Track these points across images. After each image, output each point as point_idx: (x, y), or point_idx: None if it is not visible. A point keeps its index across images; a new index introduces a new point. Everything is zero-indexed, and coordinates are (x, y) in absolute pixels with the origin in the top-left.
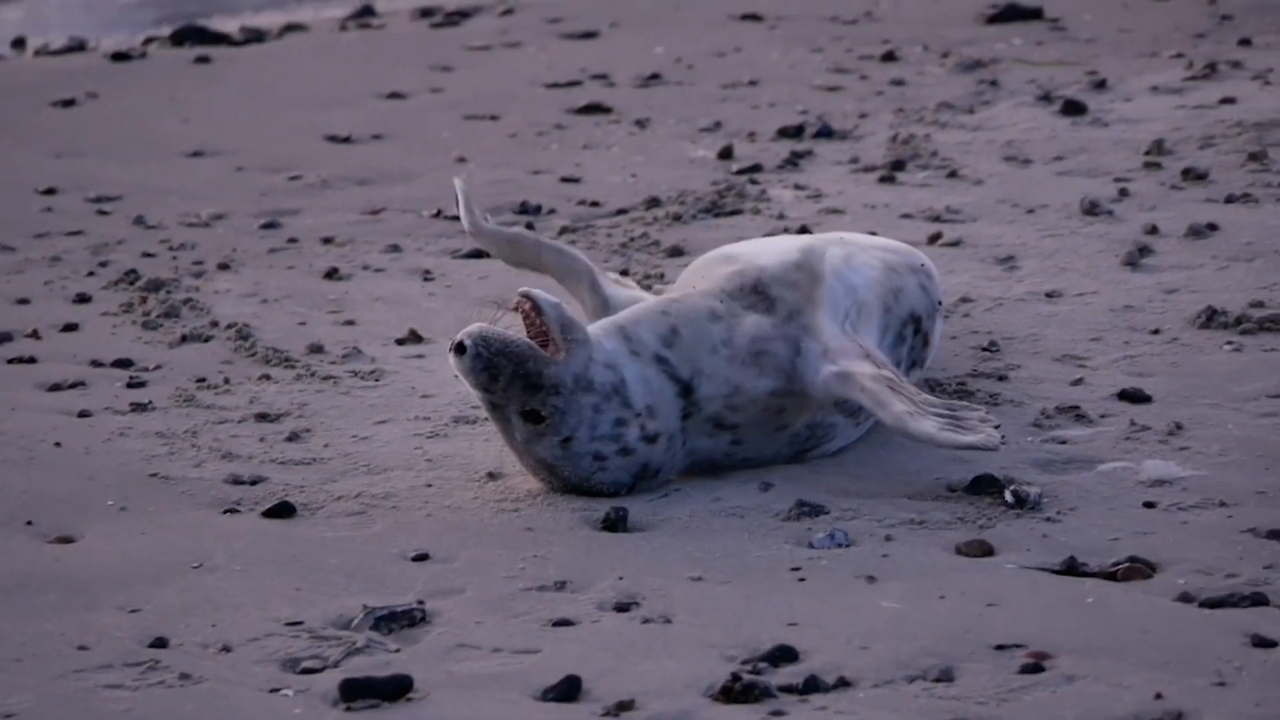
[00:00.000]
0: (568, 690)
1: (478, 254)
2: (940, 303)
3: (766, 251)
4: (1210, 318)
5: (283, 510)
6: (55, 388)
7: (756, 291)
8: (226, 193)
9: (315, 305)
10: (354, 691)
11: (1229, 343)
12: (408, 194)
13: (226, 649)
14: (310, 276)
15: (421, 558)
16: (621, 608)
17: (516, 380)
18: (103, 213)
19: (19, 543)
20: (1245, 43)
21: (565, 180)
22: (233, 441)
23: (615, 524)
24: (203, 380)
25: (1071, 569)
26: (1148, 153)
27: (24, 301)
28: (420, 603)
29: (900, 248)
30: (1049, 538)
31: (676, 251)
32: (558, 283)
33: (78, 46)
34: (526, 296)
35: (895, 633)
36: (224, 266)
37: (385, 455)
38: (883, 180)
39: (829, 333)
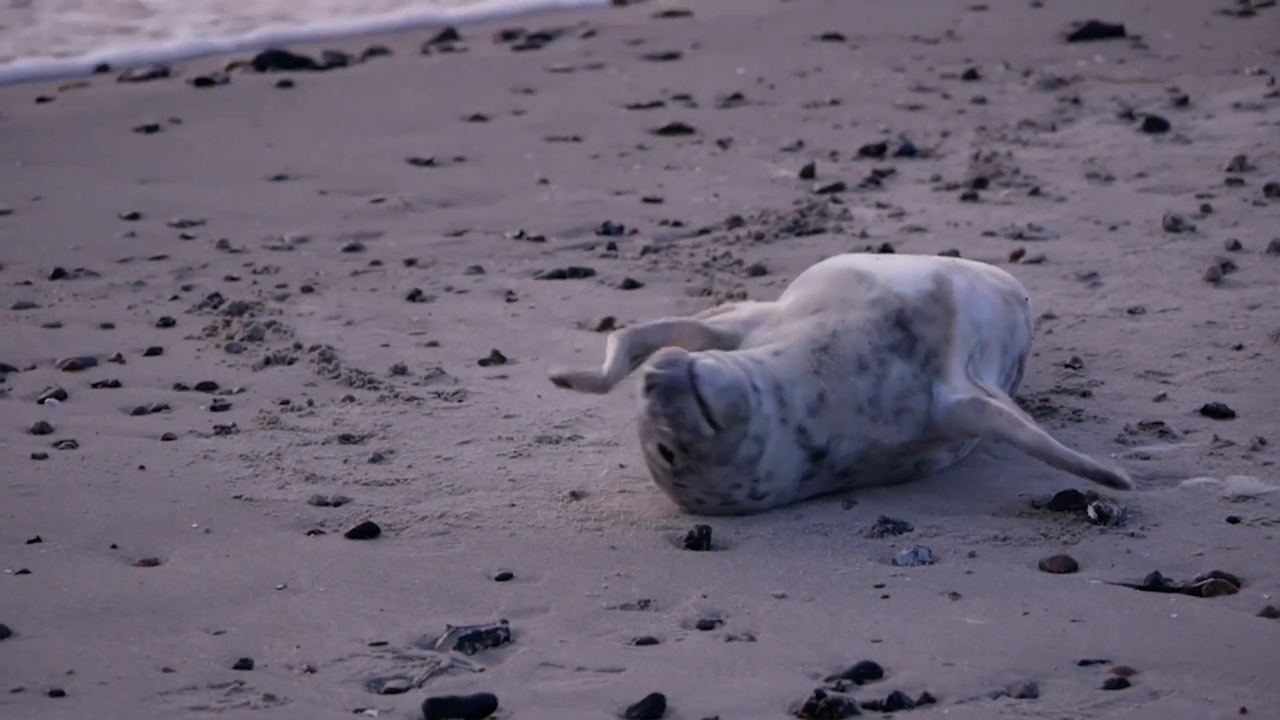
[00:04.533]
0: (652, 709)
1: (560, 275)
2: (1033, 334)
3: (900, 276)
4: None
5: (367, 531)
6: (139, 411)
7: (900, 325)
8: (309, 216)
9: (398, 327)
10: (438, 711)
11: None
12: (490, 216)
13: (311, 670)
14: (393, 298)
15: (505, 577)
16: (705, 626)
17: (681, 447)
18: (186, 237)
19: (104, 566)
20: None
21: (648, 200)
22: (316, 463)
23: (699, 542)
24: (286, 402)
25: (1155, 584)
26: (1230, 169)
27: (108, 326)
28: (504, 622)
29: (1005, 275)
30: (1133, 553)
31: (759, 271)
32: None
33: (161, 72)
34: (694, 382)
35: (979, 649)
36: (307, 289)
37: (469, 476)
38: (965, 198)
39: (958, 379)
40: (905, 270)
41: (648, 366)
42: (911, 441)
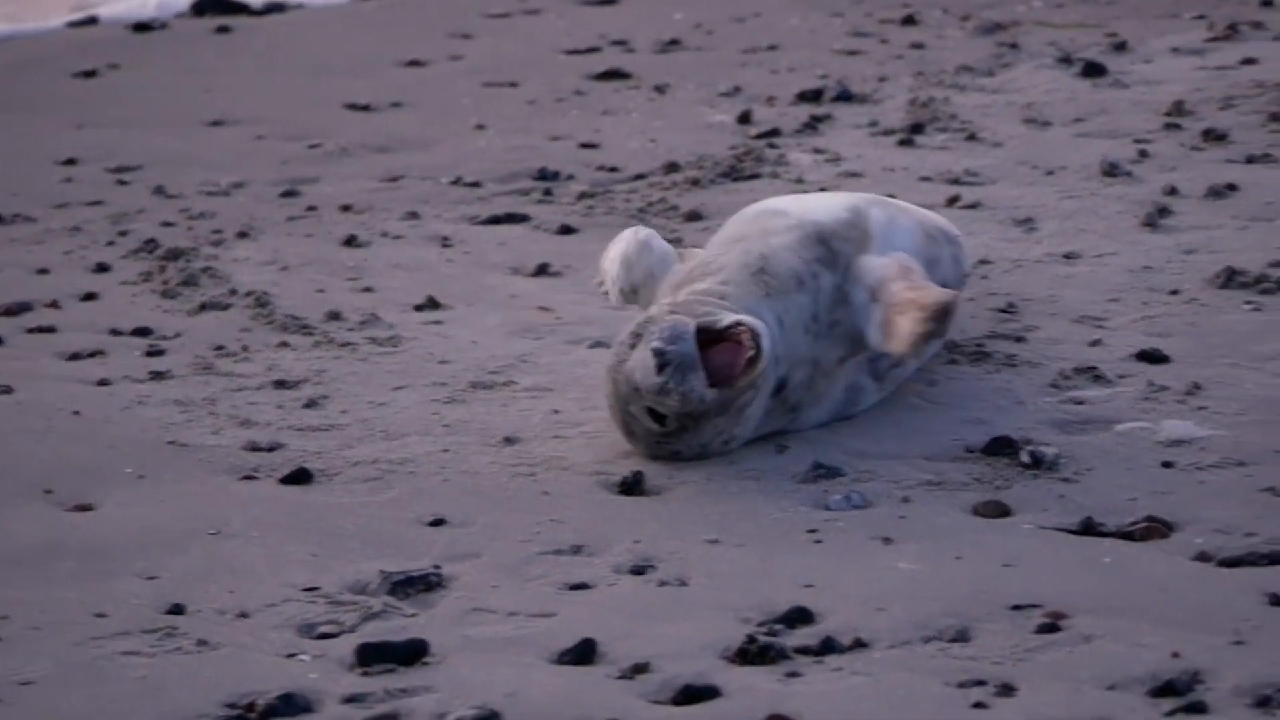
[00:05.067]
0: (583, 653)
1: (496, 220)
2: (967, 275)
3: (815, 208)
4: (1229, 278)
5: (300, 476)
6: (75, 357)
7: (821, 242)
8: (246, 161)
9: (334, 273)
10: (370, 656)
11: (1248, 303)
12: (427, 161)
13: (243, 615)
14: (329, 244)
15: (438, 522)
16: (638, 571)
17: (685, 416)
18: (123, 182)
19: (37, 511)
20: (1267, 3)
21: (584, 146)
22: (250, 409)
23: (632, 487)
24: (221, 348)
25: (1089, 529)
26: (1168, 114)
27: (44, 271)
28: (436, 567)
29: (934, 217)
30: (1066, 498)
31: (695, 216)
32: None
33: (96, 19)
34: (753, 336)
35: (911, 594)
36: (243, 235)
37: (402, 421)
38: (902, 143)
39: (868, 267)
40: (820, 204)
41: (656, 342)
42: (844, 355)
